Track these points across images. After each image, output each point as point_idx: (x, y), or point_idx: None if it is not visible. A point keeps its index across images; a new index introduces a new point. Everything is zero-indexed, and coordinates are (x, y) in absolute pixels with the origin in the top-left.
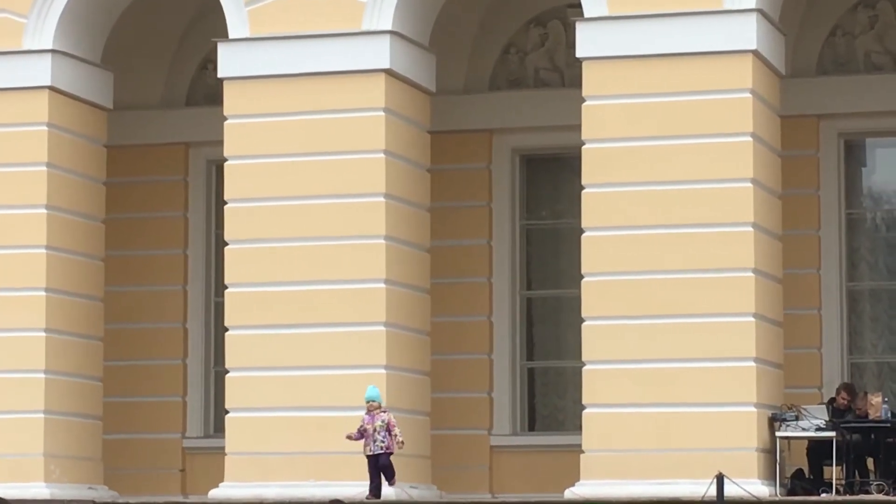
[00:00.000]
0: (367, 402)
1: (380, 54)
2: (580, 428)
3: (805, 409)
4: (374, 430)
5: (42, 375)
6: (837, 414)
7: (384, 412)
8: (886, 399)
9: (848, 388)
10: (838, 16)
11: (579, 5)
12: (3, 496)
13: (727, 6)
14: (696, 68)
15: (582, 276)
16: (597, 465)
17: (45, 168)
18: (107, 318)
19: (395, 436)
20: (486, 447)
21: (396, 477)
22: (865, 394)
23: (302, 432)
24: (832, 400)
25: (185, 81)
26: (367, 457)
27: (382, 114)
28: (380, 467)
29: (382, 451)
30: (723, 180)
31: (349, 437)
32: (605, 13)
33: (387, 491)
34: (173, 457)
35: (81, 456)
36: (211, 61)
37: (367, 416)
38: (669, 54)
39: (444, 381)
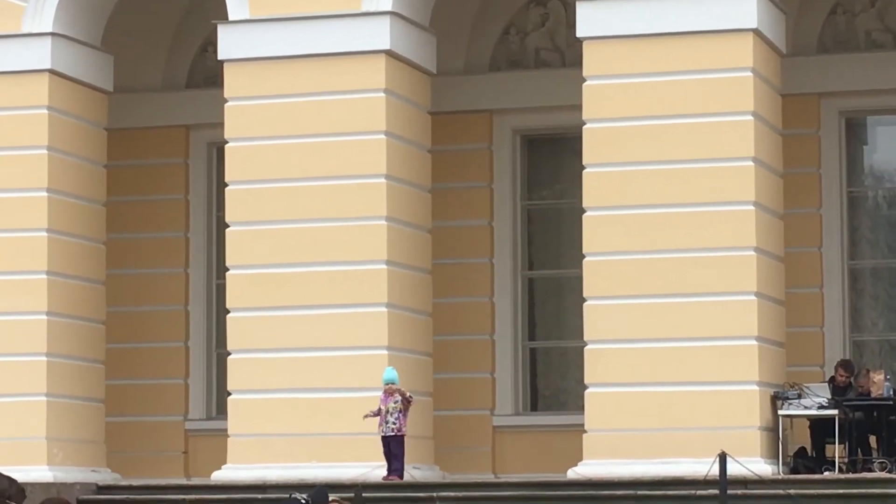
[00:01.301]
0: (386, 384)
1: (380, 35)
2: (582, 408)
3: (807, 388)
4: (388, 412)
5: (44, 358)
6: (838, 392)
7: (399, 390)
8: (889, 377)
9: (845, 364)
10: None
11: None
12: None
13: None
14: (696, 47)
15: (583, 256)
16: (599, 444)
17: (45, 151)
18: (108, 300)
19: (406, 395)
20: (488, 428)
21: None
22: (868, 371)
23: (304, 414)
24: (832, 378)
25: (186, 64)
26: (382, 437)
27: (383, 95)
28: (392, 453)
29: (393, 434)
30: (724, 159)
31: (368, 416)
32: None
33: (381, 473)
34: (176, 439)
35: (84, 439)
36: (211, 43)
37: (383, 397)
38: (670, 34)
39: (446, 362)
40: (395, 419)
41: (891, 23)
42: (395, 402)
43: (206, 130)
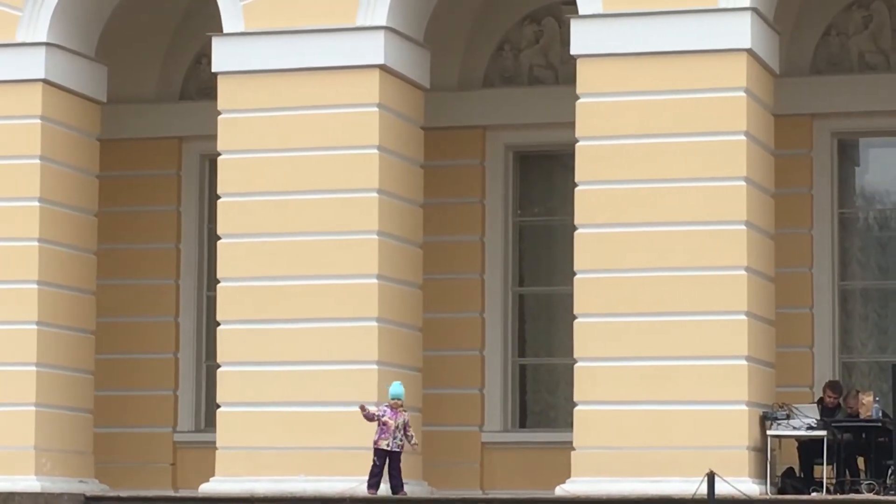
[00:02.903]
0: (393, 399)
1: (374, 50)
2: (571, 425)
3: (796, 408)
4: (395, 428)
5: (34, 368)
6: (827, 413)
7: (405, 412)
8: (878, 398)
9: (833, 385)
10: (833, 15)
11: (574, 2)
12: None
13: (722, 5)
14: (690, 66)
15: (574, 273)
16: (588, 462)
17: (38, 161)
18: (99, 311)
19: (410, 437)
20: (477, 444)
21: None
22: (857, 392)
23: (293, 427)
24: (821, 399)
25: (179, 75)
26: (381, 450)
27: (376, 109)
28: (394, 468)
29: (398, 450)
30: (716, 178)
31: (363, 410)
32: (600, 10)
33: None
34: (164, 451)
35: (72, 449)
36: (205, 55)
37: (390, 411)
38: (664, 52)
39: (436, 378)
40: (402, 437)
41: (884, 45)
42: (403, 421)
43: (198, 142)
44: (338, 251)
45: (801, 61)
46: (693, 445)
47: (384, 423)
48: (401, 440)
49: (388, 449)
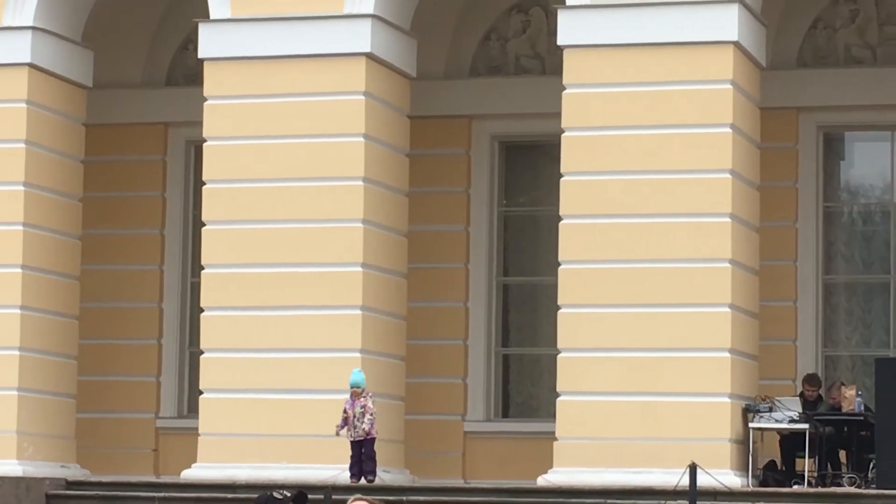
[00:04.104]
0: (352, 387)
1: (361, 38)
2: (554, 415)
3: (779, 401)
4: (355, 416)
5: (17, 353)
6: (808, 406)
7: (364, 398)
8: (860, 392)
9: (811, 379)
10: (819, 8)
11: None
12: None
13: None
14: (676, 58)
15: (559, 264)
16: (570, 452)
17: (23, 145)
18: (82, 296)
19: (364, 423)
20: (459, 433)
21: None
22: (841, 384)
23: (276, 415)
24: (802, 392)
25: (166, 61)
26: (351, 442)
27: (362, 97)
28: (366, 455)
29: (364, 438)
30: (701, 171)
31: (338, 431)
32: (588, 1)
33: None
34: (146, 436)
35: (55, 434)
36: (192, 41)
37: (349, 402)
38: (650, 44)
39: (419, 366)
40: (364, 423)
41: (871, 39)
42: (361, 408)
43: (184, 128)
44: (322, 239)
45: (788, 54)
46: (675, 437)
47: (345, 413)
48: (360, 428)
49: (351, 439)
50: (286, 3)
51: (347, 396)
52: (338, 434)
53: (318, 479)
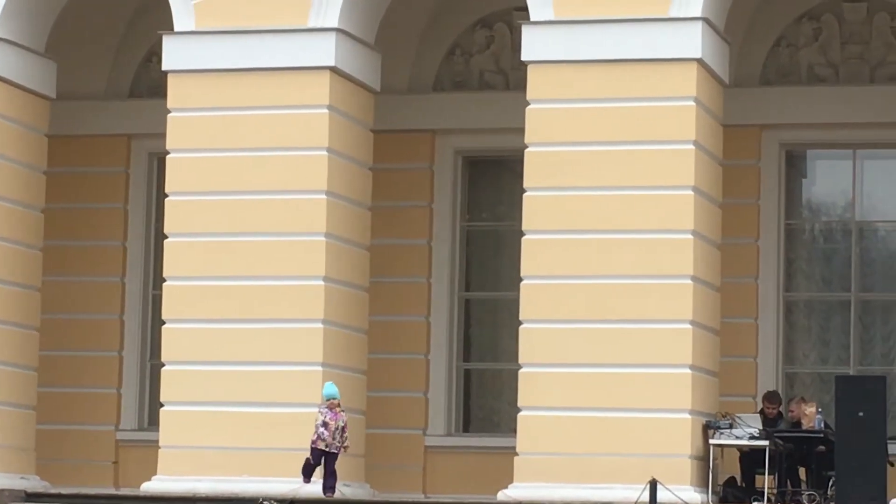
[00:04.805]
0: (333, 399)
1: (325, 52)
2: (515, 430)
3: (739, 418)
4: (336, 429)
5: None
6: (769, 423)
7: (343, 412)
8: (820, 409)
9: (770, 396)
10: (783, 27)
11: (526, 8)
12: None
13: (673, 14)
14: (640, 75)
15: (521, 279)
16: (531, 467)
17: None
18: (43, 307)
19: (345, 438)
20: (420, 447)
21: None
22: (801, 399)
23: (236, 427)
24: (762, 409)
25: (129, 73)
26: (318, 450)
27: (326, 111)
28: (329, 469)
29: (336, 451)
30: (664, 187)
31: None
32: (552, 17)
33: (312, 489)
34: (107, 449)
35: (14, 445)
36: (156, 54)
37: (330, 413)
38: (614, 60)
39: (381, 380)
40: (340, 438)
41: (833, 57)
42: (343, 422)
43: (147, 140)
44: (285, 252)
45: (751, 72)
46: (636, 453)
47: (325, 424)
48: (339, 442)
49: (327, 450)
50: (251, 16)
51: (322, 408)
52: (322, 446)
53: (279, 492)
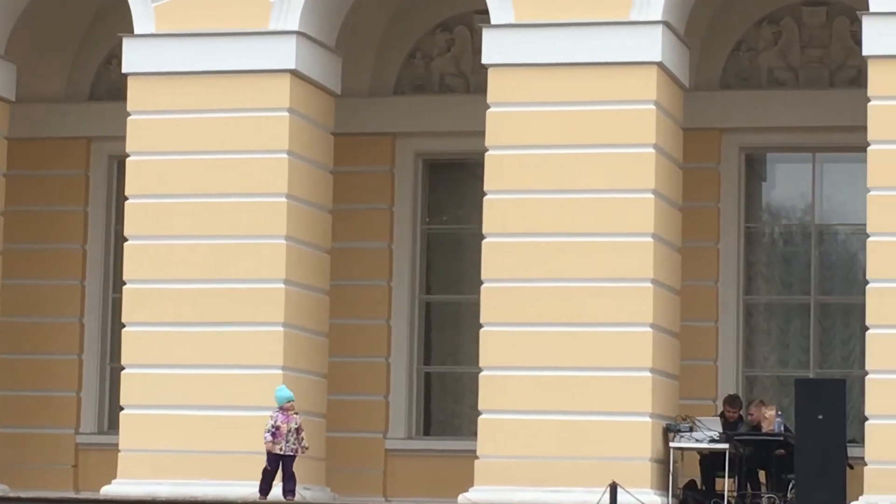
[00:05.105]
0: (288, 402)
1: (285, 54)
2: (475, 434)
3: (699, 421)
4: (289, 431)
5: None
6: (729, 426)
7: (297, 415)
8: (780, 413)
9: (731, 400)
10: (743, 31)
11: (486, 12)
12: None
13: (633, 18)
14: (600, 78)
15: (481, 282)
16: (491, 471)
17: None
18: (3, 310)
19: (302, 439)
20: (381, 450)
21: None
22: (761, 402)
23: (197, 431)
24: (723, 413)
25: (89, 76)
26: (274, 455)
27: (286, 114)
28: (287, 473)
29: (292, 454)
30: (624, 190)
31: (274, 447)
32: (512, 20)
33: (276, 492)
34: (66, 452)
35: None
36: (115, 56)
37: (282, 416)
38: (575, 63)
39: (341, 384)
40: (295, 439)
41: (793, 61)
42: (296, 424)
43: (107, 143)
44: (245, 255)
45: (711, 75)
46: (596, 456)
47: (277, 428)
48: (294, 444)
49: (282, 453)
50: (211, 18)
51: (274, 412)
52: (277, 450)
53: (239, 496)
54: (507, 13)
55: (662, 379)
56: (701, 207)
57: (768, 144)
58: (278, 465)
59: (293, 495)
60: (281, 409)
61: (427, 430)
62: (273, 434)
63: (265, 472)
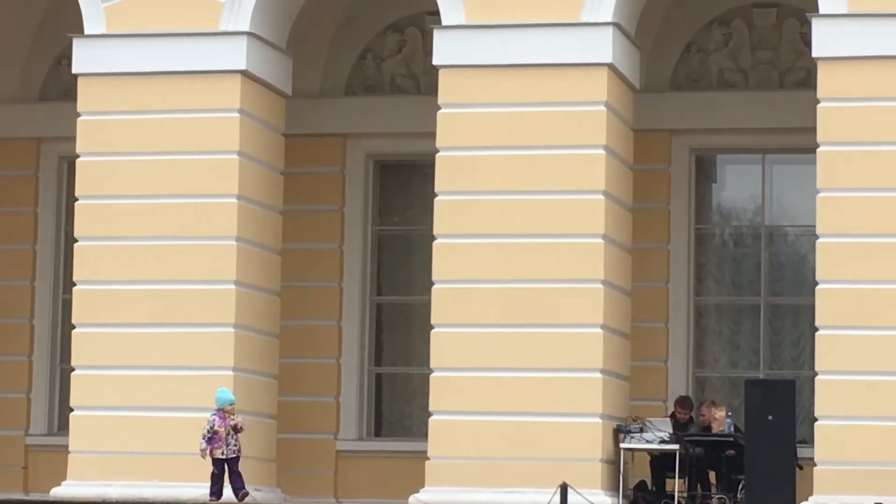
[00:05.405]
0: (229, 405)
1: (236, 55)
2: (426, 434)
3: (650, 422)
4: (227, 434)
5: None
6: (679, 427)
7: (234, 416)
8: (730, 413)
9: (683, 401)
10: (693, 32)
11: (437, 13)
12: None
13: (584, 19)
14: (551, 80)
15: (432, 283)
16: (442, 472)
17: None
18: None
19: (236, 439)
20: (332, 452)
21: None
22: (712, 402)
23: (147, 432)
24: (674, 413)
25: (40, 76)
26: (217, 459)
27: (237, 115)
28: (233, 473)
29: (235, 456)
30: (575, 192)
31: (204, 451)
32: (463, 21)
33: (228, 492)
34: (16, 453)
35: None
36: (66, 57)
37: (219, 419)
38: (525, 65)
39: (292, 385)
40: (235, 440)
41: (743, 63)
42: (233, 425)
43: (57, 144)
44: (196, 256)
45: (662, 77)
46: (547, 457)
47: (215, 432)
48: (234, 445)
49: (224, 457)
50: (161, 19)
51: (212, 415)
52: (218, 454)
53: (189, 497)
54: (457, 14)
55: (613, 380)
56: (651, 209)
57: (718, 146)
58: (223, 467)
59: (244, 493)
60: (221, 410)
61: (378, 431)
62: (209, 440)
63: (213, 475)
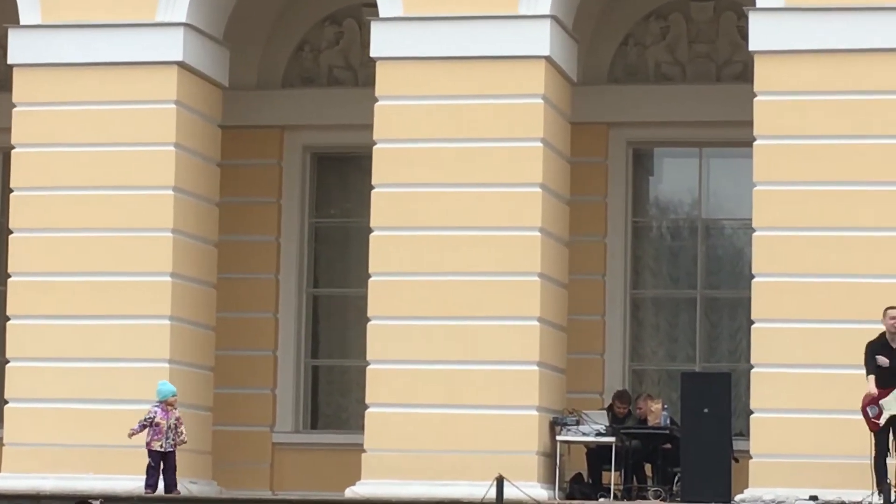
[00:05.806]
0: (172, 397)
1: (172, 46)
2: (363, 427)
3: (586, 415)
4: (168, 428)
5: None
6: (617, 422)
7: (176, 409)
8: (666, 406)
9: (621, 395)
10: (631, 25)
11: (375, 5)
12: None
13: (522, 12)
14: (488, 72)
15: (369, 276)
16: (378, 464)
17: None
18: None
19: (181, 433)
20: (268, 444)
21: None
22: (648, 396)
23: (82, 425)
24: (611, 406)
25: None
26: (155, 451)
27: (173, 106)
28: (169, 467)
29: (172, 450)
30: (511, 184)
31: (133, 433)
32: (401, 13)
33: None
34: None
35: None
36: (1, 47)
37: (161, 412)
38: (463, 57)
39: (228, 377)
40: (174, 436)
41: (681, 56)
42: (175, 419)
43: None
44: (131, 248)
45: (599, 70)
46: (483, 449)
47: (156, 425)
48: (173, 440)
49: (162, 450)
50: (98, 10)
51: (154, 407)
52: (157, 447)
53: (125, 490)
54: (395, 6)
55: (549, 372)
56: (588, 202)
57: (655, 139)
58: (160, 460)
59: (176, 489)
60: (164, 403)
61: (314, 423)
62: (143, 426)
63: (149, 468)
